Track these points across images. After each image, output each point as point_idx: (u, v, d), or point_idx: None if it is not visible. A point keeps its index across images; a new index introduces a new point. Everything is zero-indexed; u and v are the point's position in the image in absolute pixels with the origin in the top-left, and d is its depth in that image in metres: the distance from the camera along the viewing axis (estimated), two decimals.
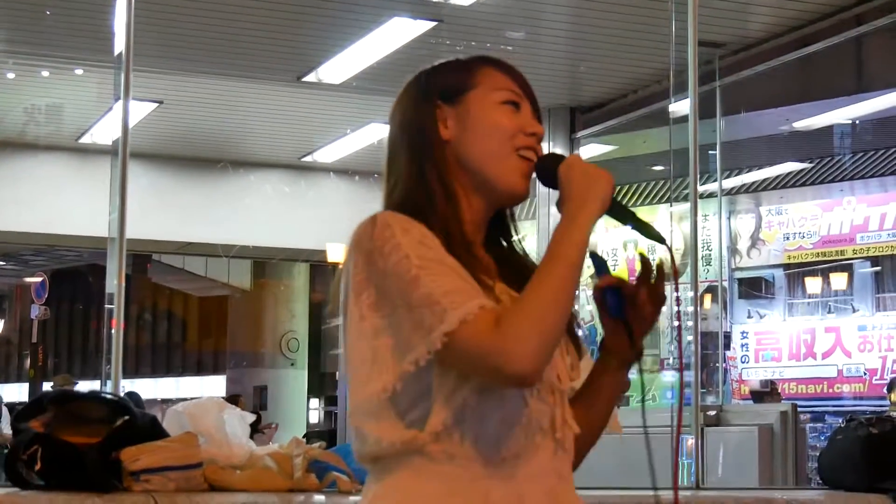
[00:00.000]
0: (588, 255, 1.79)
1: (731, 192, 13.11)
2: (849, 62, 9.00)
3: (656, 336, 11.84)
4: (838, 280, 13.80)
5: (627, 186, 12.54)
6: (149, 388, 21.87)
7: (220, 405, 3.11)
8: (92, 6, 7.93)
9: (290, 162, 13.15)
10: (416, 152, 1.89)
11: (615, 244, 13.69)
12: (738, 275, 14.39)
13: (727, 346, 13.34)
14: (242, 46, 9.12)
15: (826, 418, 12.75)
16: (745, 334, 14.22)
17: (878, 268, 13.65)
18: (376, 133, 11.11)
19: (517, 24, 8.62)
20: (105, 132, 10.52)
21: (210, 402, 3.12)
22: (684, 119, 5.32)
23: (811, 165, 12.82)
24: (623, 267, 13.34)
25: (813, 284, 14.04)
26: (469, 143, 1.88)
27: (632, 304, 1.84)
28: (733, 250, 14.26)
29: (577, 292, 1.80)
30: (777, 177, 13.18)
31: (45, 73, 10.24)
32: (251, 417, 3.20)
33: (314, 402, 20.47)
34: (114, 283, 4.37)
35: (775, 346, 14.01)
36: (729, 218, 13.97)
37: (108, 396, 3.10)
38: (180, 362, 26.27)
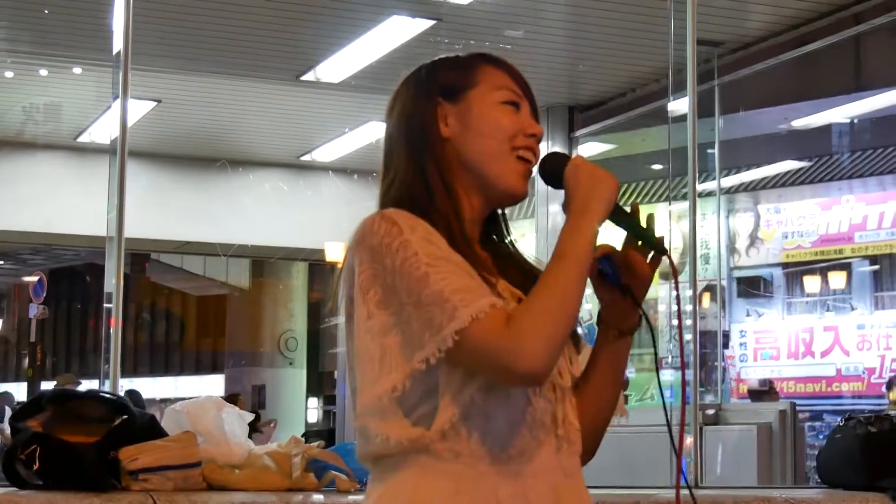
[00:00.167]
0: None
1: (730, 191, 13.11)
2: (847, 61, 9.00)
3: (654, 334, 11.82)
4: (837, 279, 13.79)
5: (626, 185, 12.53)
6: (147, 387, 21.85)
7: (218, 404, 3.10)
8: (90, 5, 7.93)
9: (289, 161, 13.16)
10: (415, 148, 1.88)
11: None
12: (737, 274, 14.38)
13: (726, 345, 13.31)
14: (241, 45, 9.12)
15: (825, 417, 12.75)
16: (743, 333, 14.22)
17: (877, 266, 13.65)
18: (375, 132, 11.11)
19: (516, 23, 8.62)
20: (103, 131, 10.51)
21: (209, 401, 3.11)
22: (683, 118, 5.32)
23: (810, 164, 12.82)
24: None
25: (811, 283, 14.04)
26: (469, 142, 1.88)
27: (627, 269, 1.84)
28: (732, 249, 14.25)
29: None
30: (775, 175, 13.18)
31: (44, 72, 10.24)
32: (250, 416, 3.20)
33: (313, 402, 20.48)
34: (112, 282, 4.36)
35: (774, 344, 14.00)
36: (727, 217, 13.97)
37: (107, 396, 3.10)
38: (179, 361, 26.28)
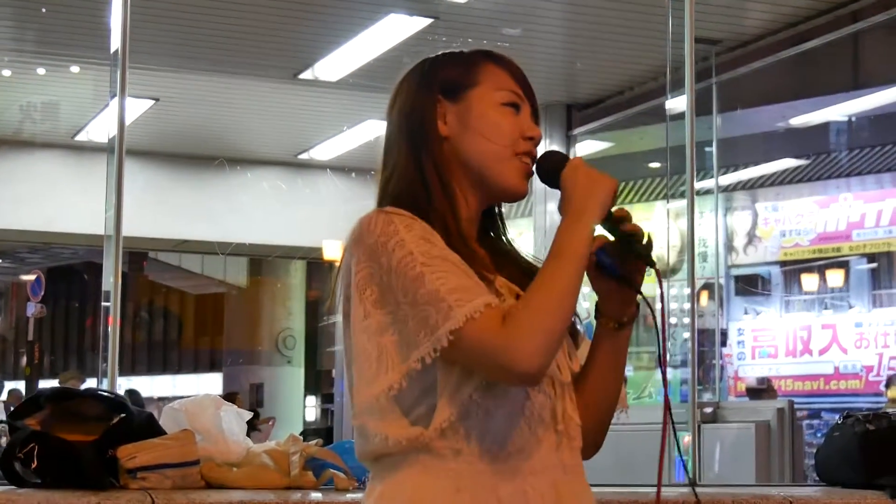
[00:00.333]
0: None
1: (728, 189, 13.11)
2: (845, 59, 9.01)
3: (651, 333, 11.83)
4: (835, 277, 13.79)
5: (624, 183, 12.52)
6: (145, 385, 21.85)
7: (216, 402, 3.10)
8: (88, 3, 7.93)
9: (287, 159, 13.15)
10: (414, 145, 1.88)
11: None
12: (735, 272, 14.38)
13: (724, 343, 13.32)
14: (239, 43, 9.12)
15: (823, 415, 12.75)
16: (741, 331, 14.21)
17: (875, 264, 13.65)
18: (373, 130, 11.11)
19: (513, 21, 8.63)
20: (101, 129, 10.52)
21: (207, 399, 3.11)
22: (681, 116, 5.32)
23: (807, 162, 12.82)
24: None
25: (809, 281, 14.04)
26: (468, 142, 1.88)
27: (622, 259, 1.84)
28: (730, 247, 14.25)
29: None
30: (773, 173, 13.18)
31: (41, 71, 10.23)
32: (248, 415, 3.19)
33: (311, 400, 20.46)
34: (110, 280, 4.35)
35: (772, 342, 14.00)
36: (725, 215, 13.96)
37: (105, 394, 3.10)
38: (177, 360, 26.28)
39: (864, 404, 12.19)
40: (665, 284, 1.85)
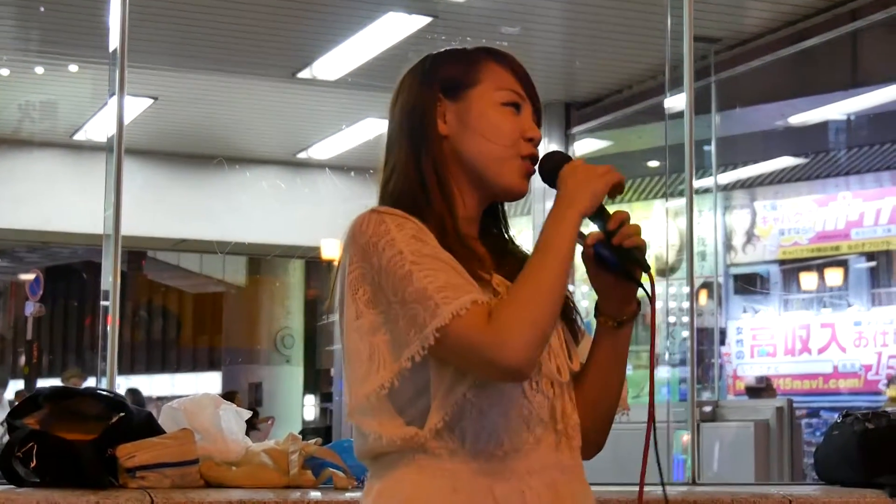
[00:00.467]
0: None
1: (727, 188, 13.11)
2: (844, 57, 9.01)
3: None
4: (833, 275, 13.79)
5: None
6: (144, 384, 21.82)
7: (215, 402, 3.10)
8: (86, 2, 7.93)
9: (286, 158, 13.15)
10: (414, 144, 1.87)
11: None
12: (734, 271, 14.38)
13: (722, 342, 13.34)
14: (237, 42, 9.11)
15: (822, 414, 12.75)
16: (740, 330, 14.21)
17: (874, 263, 13.65)
18: (372, 129, 11.10)
19: (512, 20, 8.62)
20: (100, 129, 10.52)
21: (206, 398, 3.10)
22: (679, 114, 5.31)
23: (806, 161, 12.82)
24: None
25: (808, 280, 14.04)
26: (468, 141, 1.86)
27: (619, 252, 1.81)
28: (728, 246, 14.25)
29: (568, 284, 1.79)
30: (772, 172, 13.19)
31: (40, 70, 10.22)
32: (247, 414, 3.19)
33: (310, 399, 20.45)
34: (109, 279, 4.35)
35: (770, 341, 14.00)
36: (724, 213, 13.96)
37: (104, 393, 3.09)
38: (175, 359, 26.26)
39: (863, 403, 12.20)
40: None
